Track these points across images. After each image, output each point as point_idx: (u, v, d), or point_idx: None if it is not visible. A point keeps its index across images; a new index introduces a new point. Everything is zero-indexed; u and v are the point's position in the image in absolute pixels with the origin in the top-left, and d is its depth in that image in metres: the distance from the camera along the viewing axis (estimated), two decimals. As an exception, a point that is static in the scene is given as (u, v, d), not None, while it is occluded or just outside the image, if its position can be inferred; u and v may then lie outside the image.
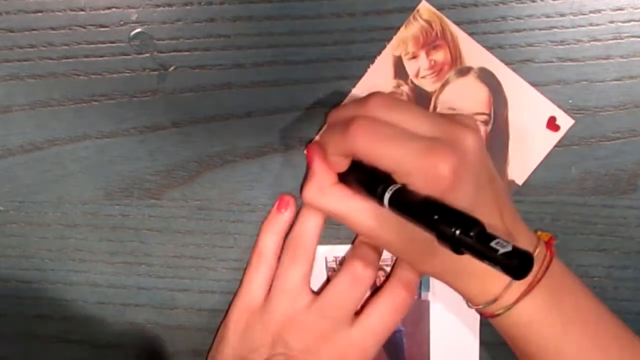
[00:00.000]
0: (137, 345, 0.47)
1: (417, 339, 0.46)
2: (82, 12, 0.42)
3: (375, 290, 0.43)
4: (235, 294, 0.45)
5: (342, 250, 0.45)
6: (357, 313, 0.43)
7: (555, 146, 0.43)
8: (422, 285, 0.45)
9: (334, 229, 0.45)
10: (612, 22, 0.41)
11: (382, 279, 0.44)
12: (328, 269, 0.45)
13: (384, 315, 0.42)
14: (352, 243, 0.44)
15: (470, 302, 0.39)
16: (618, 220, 0.44)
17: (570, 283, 0.39)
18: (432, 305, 0.45)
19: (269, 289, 0.43)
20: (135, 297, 0.46)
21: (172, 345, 0.47)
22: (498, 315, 0.38)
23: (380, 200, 0.35)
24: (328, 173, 0.39)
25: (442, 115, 0.39)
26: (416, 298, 0.45)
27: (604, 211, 0.44)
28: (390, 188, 0.34)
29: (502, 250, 0.28)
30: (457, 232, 0.30)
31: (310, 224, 0.43)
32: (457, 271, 0.38)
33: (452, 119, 0.36)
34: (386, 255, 0.44)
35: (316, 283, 0.45)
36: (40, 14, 0.42)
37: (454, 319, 0.45)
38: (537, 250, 0.38)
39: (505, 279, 0.36)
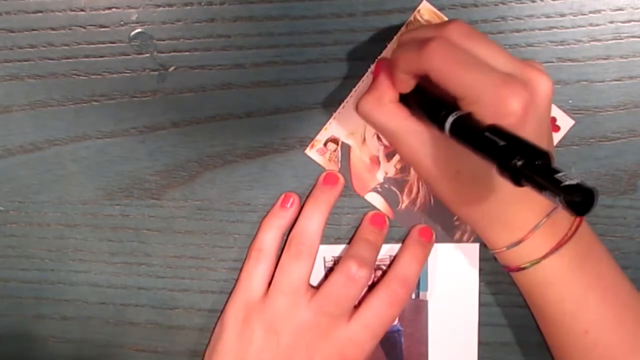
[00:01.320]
0: (137, 345, 0.47)
1: (415, 338, 0.46)
2: (82, 12, 0.42)
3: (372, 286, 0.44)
4: (232, 290, 0.45)
5: (340, 250, 0.45)
6: (356, 307, 0.43)
7: (556, 146, 0.42)
8: (420, 284, 0.45)
9: (333, 228, 0.45)
10: (612, 22, 0.41)
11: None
12: (326, 268, 0.45)
13: (379, 310, 0.42)
14: (349, 243, 0.44)
15: (495, 248, 0.39)
16: (618, 220, 0.44)
17: (596, 249, 0.39)
18: (430, 305, 0.45)
19: (268, 285, 0.43)
20: (135, 297, 0.46)
21: (172, 345, 0.47)
22: (523, 268, 0.38)
23: (441, 125, 0.34)
24: (391, 89, 0.38)
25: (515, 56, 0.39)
26: (414, 297, 0.45)
27: (604, 211, 0.44)
28: (454, 113, 0.33)
29: (566, 183, 0.27)
30: (521, 161, 0.29)
31: (314, 221, 0.43)
32: (491, 217, 0.38)
33: (525, 61, 0.36)
34: (383, 254, 0.44)
35: (314, 282, 0.45)
36: (40, 14, 0.42)
37: (453, 319, 0.45)
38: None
39: (531, 225, 0.37)
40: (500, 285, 0.45)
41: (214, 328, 0.46)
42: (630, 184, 0.44)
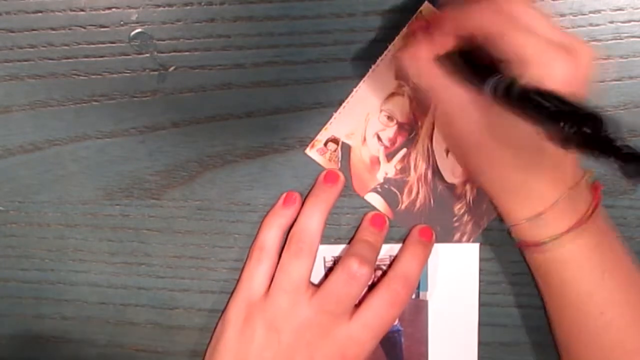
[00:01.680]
0: (137, 345, 0.47)
1: (415, 338, 0.46)
2: (82, 12, 0.42)
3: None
4: (234, 289, 0.45)
5: (340, 250, 0.45)
6: (356, 307, 0.43)
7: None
8: (420, 284, 0.45)
9: (333, 228, 0.45)
10: (612, 22, 0.41)
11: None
12: (326, 268, 0.45)
13: (380, 310, 0.42)
14: (349, 243, 0.44)
15: (513, 221, 0.39)
16: (618, 220, 0.44)
17: (612, 234, 0.40)
18: (430, 305, 0.45)
19: (270, 284, 0.43)
20: (135, 297, 0.46)
21: (172, 345, 0.47)
22: (543, 244, 0.38)
23: (483, 86, 0.33)
24: (429, 46, 0.37)
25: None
26: (414, 297, 0.45)
27: (603, 211, 0.44)
28: (497, 76, 0.33)
29: (625, 150, 0.27)
30: (577, 126, 0.28)
31: (314, 219, 0.43)
32: (513, 188, 0.38)
33: (572, 35, 0.36)
34: (383, 254, 0.44)
35: (314, 281, 0.45)
36: (40, 14, 0.42)
37: (453, 319, 0.45)
38: (587, 189, 0.39)
39: (552, 199, 0.37)
40: (500, 285, 0.45)
41: (215, 327, 0.46)
42: (630, 184, 0.43)
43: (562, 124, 0.28)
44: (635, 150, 0.27)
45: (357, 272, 0.42)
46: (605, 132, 0.28)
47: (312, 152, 0.44)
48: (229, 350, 0.43)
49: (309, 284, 0.43)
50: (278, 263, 0.44)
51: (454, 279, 0.45)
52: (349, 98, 0.43)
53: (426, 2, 0.41)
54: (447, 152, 0.43)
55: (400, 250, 0.44)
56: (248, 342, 0.42)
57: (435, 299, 0.45)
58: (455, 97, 0.37)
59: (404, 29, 0.42)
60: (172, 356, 0.47)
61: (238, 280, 0.45)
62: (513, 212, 0.39)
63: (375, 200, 0.44)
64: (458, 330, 0.45)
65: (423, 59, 0.37)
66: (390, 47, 0.42)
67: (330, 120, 0.43)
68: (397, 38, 0.42)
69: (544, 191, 0.37)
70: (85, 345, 0.47)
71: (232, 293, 0.45)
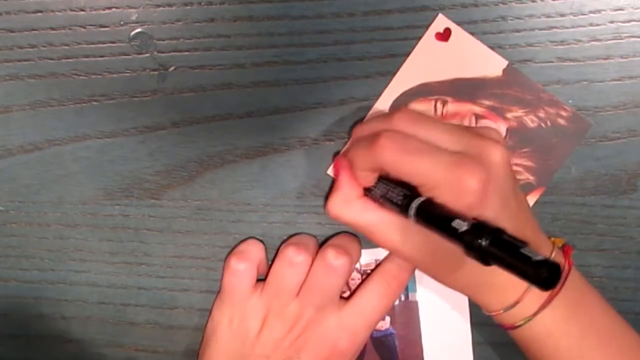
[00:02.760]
0: (137, 345, 0.47)
1: (409, 340, 0.46)
2: (82, 12, 0.42)
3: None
4: (219, 288, 0.45)
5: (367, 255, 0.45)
6: (348, 298, 0.43)
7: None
8: (409, 286, 0.45)
9: (333, 228, 0.45)
10: (612, 22, 0.41)
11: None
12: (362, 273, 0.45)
13: (372, 300, 0.43)
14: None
15: (489, 311, 0.39)
16: (618, 220, 0.44)
17: (587, 294, 0.39)
18: (420, 306, 0.45)
19: (254, 282, 0.43)
20: (135, 297, 0.46)
21: (172, 345, 0.47)
22: (518, 326, 0.38)
23: (405, 213, 0.35)
24: (354, 186, 0.39)
25: (467, 128, 0.40)
26: (404, 299, 0.45)
27: (604, 211, 0.44)
28: (416, 200, 0.34)
29: (532, 259, 0.28)
30: (485, 242, 0.30)
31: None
32: (479, 284, 0.38)
33: (478, 132, 0.37)
34: (368, 260, 0.44)
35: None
36: (40, 14, 0.42)
37: (445, 318, 0.45)
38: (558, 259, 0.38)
39: (523, 287, 0.37)
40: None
41: (206, 325, 0.46)
42: (630, 184, 0.43)
43: (472, 244, 0.30)
44: (543, 260, 0.28)
45: (333, 263, 0.42)
46: (510, 244, 0.29)
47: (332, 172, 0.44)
48: (221, 349, 0.43)
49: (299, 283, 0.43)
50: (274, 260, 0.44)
51: None
52: (372, 111, 0.43)
53: (440, 14, 0.41)
54: None
55: None
56: (241, 340, 0.42)
57: (425, 299, 0.45)
58: (391, 228, 0.38)
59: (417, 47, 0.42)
60: (172, 356, 0.47)
61: (222, 284, 0.44)
62: (487, 305, 0.39)
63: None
64: (451, 329, 0.45)
65: (354, 198, 0.39)
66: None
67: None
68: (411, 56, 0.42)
69: (513, 283, 0.37)
70: (85, 345, 0.47)
71: (218, 292, 0.45)
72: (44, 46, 0.43)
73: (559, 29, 0.42)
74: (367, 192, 0.39)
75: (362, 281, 0.44)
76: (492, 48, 0.42)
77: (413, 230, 0.37)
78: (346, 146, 0.43)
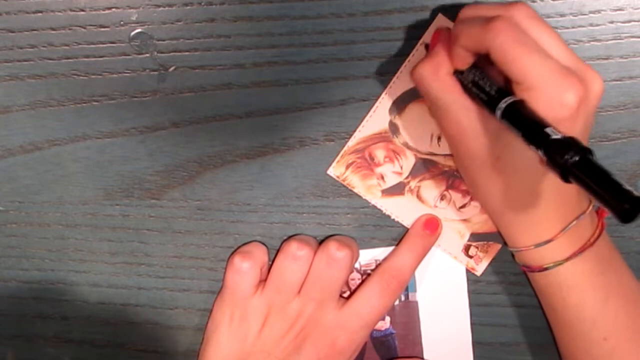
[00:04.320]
0: (137, 345, 0.47)
1: (409, 340, 0.46)
2: (82, 12, 0.42)
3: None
4: (221, 288, 0.45)
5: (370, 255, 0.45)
6: (347, 298, 0.43)
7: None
8: (409, 286, 0.45)
9: (333, 228, 0.45)
10: (612, 22, 0.41)
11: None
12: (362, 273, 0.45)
13: (371, 299, 0.42)
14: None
15: (520, 245, 0.39)
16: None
17: (616, 258, 0.40)
18: (421, 306, 0.45)
19: (257, 281, 0.43)
20: (135, 297, 0.46)
21: (172, 345, 0.47)
22: (546, 269, 0.38)
23: (492, 107, 0.34)
24: (447, 60, 0.37)
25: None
26: (404, 299, 0.45)
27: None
28: (508, 97, 0.33)
29: (621, 186, 0.27)
30: (574, 158, 0.28)
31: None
32: (520, 212, 0.38)
33: (583, 61, 0.36)
34: (369, 259, 0.44)
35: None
36: (40, 14, 0.42)
37: (445, 318, 0.45)
38: (592, 214, 0.38)
39: (560, 226, 0.37)
40: (500, 285, 0.45)
41: (206, 324, 0.46)
42: (630, 184, 0.43)
43: (563, 155, 0.29)
44: (628, 188, 0.27)
45: (334, 255, 0.42)
46: (602, 168, 0.28)
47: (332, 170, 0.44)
48: (222, 348, 0.43)
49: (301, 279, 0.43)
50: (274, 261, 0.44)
51: (441, 278, 0.45)
52: (368, 116, 0.43)
53: (439, 14, 0.41)
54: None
55: (400, 241, 0.44)
56: (241, 338, 0.43)
57: (425, 299, 0.45)
58: (469, 115, 0.37)
59: (419, 44, 0.41)
60: (172, 356, 0.47)
61: (224, 282, 0.44)
62: (519, 238, 0.39)
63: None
64: (451, 329, 0.45)
65: (443, 72, 0.37)
66: (405, 63, 0.42)
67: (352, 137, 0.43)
68: (411, 54, 0.42)
69: (550, 219, 0.37)
70: (85, 345, 0.47)
71: (219, 291, 0.45)
72: (44, 46, 0.43)
73: (559, 29, 0.42)
74: (457, 74, 0.38)
75: (362, 281, 0.44)
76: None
77: (489, 128, 0.36)
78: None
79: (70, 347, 0.47)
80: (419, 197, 0.44)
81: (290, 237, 0.45)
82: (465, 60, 0.37)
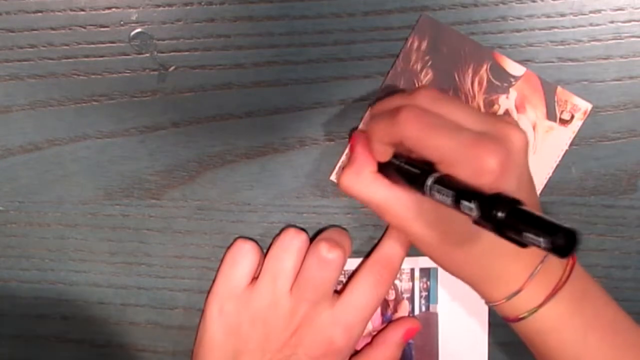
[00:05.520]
0: (137, 345, 0.47)
1: (426, 351, 0.46)
2: (82, 12, 0.42)
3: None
4: (213, 282, 0.45)
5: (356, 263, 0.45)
6: (340, 292, 0.43)
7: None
8: (431, 297, 0.45)
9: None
10: (612, 22, 0.41)
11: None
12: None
13: (364, 291, 0.43)
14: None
15: (492, 301, 0.39)
16: (618, 220, 0.44)
17: (591, 288, 0.39)
18: (440, 318, 0.45)
19: (251, 278, 0.44)
20: (135, 297, 0.46)
21: (172, 345, 0.47)
22: (522, 319, 0.38)
23: (421, 189, 0.34)
24: (369, 160, 0.39)
25: (488, 112, 0.39)
26: (424, 310, 0.45)
27: (604, 211, 0.44)
28: (433, 175, 0.34)
29: (550, 224, 0.27)
30: (501, 213, 0.29)
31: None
32: (484, 271, 0.38)
33: (498, 116, 0.36)
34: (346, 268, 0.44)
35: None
36: (40, 14, 0.42)
37: (463, 332, 0.45)
38: None
39: (525, 276, 0.37)
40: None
41: (199, 323, 0.46)
42: (630, 184, 0.44)
43: (489, 212, 0.29)
44: (560, 227, 0.27)
45: (326, 256, 0.42)
46: (529, 213, 0.29)
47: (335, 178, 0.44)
48: (215, 346, 0.43)
49: (294, 276, 0.43)
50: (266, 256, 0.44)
51: (464, 291, 0.45)
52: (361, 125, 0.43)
53: (421, 16, 0.41)
54: None
55: (386, 231, 0.44)
56: (234, 336, 0.42)
57: (446, 311, 0.45)
58: (404, 205, 0.38)
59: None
60: (172, 356, 0.47)
61: (217, 274, 0.45)
62: (490, 294, 0.39)
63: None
64: (468, 343, 0.45)
65: (367, 172, 0.39)
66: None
67: (346, 151, 0.44)
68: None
69: (514, 270, 0.37)
70: (85, 345, 0.47)
71: (210, 286, 0.45)
72: (44, 46, 0.43)
73: (559, 29, 0.42)
74: (381, 168, 0.39)
75: (353, 274, 0.44)
76: (492, 48, 0.42)
77: (426, 209, 0.37)
78: (365, 122, 0.43)
79: (70, 347, 0.47)
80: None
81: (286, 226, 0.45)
82: (385, 154, 0.38)
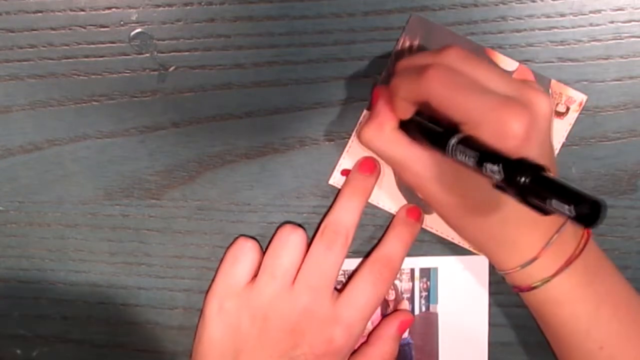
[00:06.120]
0: (137, 345, 0.47)
1: (426, 351, 0.46)
2: (82, 12, 0.42)
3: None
4: (213, 279, 0.45)
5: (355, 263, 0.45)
6: (341, 291, 0.43)
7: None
8: (431, 297, 0.45)
9: (334, 229, 0.45)
10: (612, 22, 0.41)
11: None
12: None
13: (364, 290, 0.42)
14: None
15: (506, 268, 0.39)
16: (618, 220, 0.44)
17: (604, 265, 0.40)
18: (440, 318, 0.45)
19: (254, 273, 0.44)
20: (135, 297, 0.46)
21: (172, 345, 0.47)
22: (534, 288, 0.38)
23: (443, 148, 0.34)
24: (391, 116, 0.38)
25: (514, 78, 0.38)
26: (424, 310, 0.45)
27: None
28: (456, 135, 0.34)
29: (575, 194, 0.27)
30: (526, 178, 0.29)
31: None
32: (499, 237, 0.38)
33: (524, 82, 0.36)
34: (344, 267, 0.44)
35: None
36: (40, 14, 0.42)
37: (463, 332, 0.45)
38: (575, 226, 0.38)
39: (541, 244, 0.37)
40: (500, 285, 0.45)
41: (199, 321, 0.46)
42: (630, 184, 0.44)
43: (513, 176, 0.29)
44: (581, 191, 0.27)
45: (332, 239, 0.42)
46: (554, 180, 0.28)
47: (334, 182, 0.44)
48: (214, 343, 0.43)
49: (296, 271, 0.43)
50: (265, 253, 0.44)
51: (464, 291, 0.45)
52: (353, 135, 0.43)
53: (411, 16, 0.41)
54: None
55: (386, 231, 0.44)
56: (233, 334, 0.42)
57: (446, 311, 0.45)
58: (423, 164, 0.37)
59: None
60: (172, 356, 0.47)
61: (218, 271, 0.45)
62: (504, 262, 0.39)
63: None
64: (468, 343, 0.45)
65: (388, 128, 0.38)
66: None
67: (344, 154, 0.44)
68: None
69: (530, 238, 0.37)
70: (85, 345, 0.47)
71: (210, 285, 0.45)
72: (44, 46, 0.43)
73: (559, 29, 0.42)
74: (403, 126, 0.38)
75: (354, 272, 0.44)
76: (492, 48, 0.42)
77: (445, 170, 0.36)
78: (382, 76, 0.42)
79: (70, 347, 0.47)
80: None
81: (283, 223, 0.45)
82: (407, 111, 0.37)
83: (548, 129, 0.36)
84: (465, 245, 0.44)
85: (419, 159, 0.38)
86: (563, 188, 0.27)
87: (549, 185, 0.28)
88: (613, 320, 0.38)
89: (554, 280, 0.38)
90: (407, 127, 0.38)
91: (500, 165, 0.30)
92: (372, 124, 0.39)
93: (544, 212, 0.28)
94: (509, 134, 0.33)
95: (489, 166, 0.30)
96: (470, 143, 0.33)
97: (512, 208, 0.35)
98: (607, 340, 0.39)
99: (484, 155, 0.31)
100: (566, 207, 0.27)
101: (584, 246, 0.38)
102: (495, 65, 0.36)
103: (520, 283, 0.39)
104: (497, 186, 0.30)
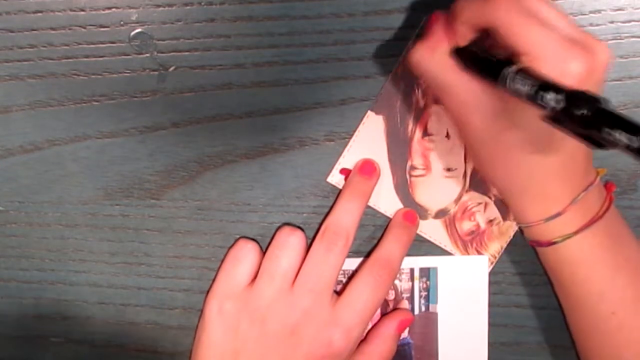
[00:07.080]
0: (137, 345, 0.47)
1: (425, 351, 0.46)
2: (82, 12, 0.42)
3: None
4: (213, 280, 0.45)
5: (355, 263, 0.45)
6: (340, 293, 0.43)
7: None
8: (431, 297, 0.45)
9: (334, 229, 0.45)
10: (612, 22, 0.41)
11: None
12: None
13: (363, 293, 0.42)
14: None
15: (530, 221, 0.39)
16: (618, 220, 0.44)
17: (625, 232, 0.40)
18: (440, 317, 0.45)
19: (254, 275, 0.44)
20: (135, 297, 0.46)
21: (172, 345, 0.47)
22: (554, 243, 0.38)
23: (495, 78, 0.33)
24: (445, 40, 0.37)
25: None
26: (424, 310, 0.45)
27: (604, 211, 0.44)
28: (514, 65, 0.33)
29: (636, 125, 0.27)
30: (586, 110, 0.28)
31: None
32: (528, 186, 0.38)
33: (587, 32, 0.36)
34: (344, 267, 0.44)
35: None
36: (40, 14, 0.42)
37: (463, 332, 0.45)
38: (600, 187, 0.39)
39: (568, 199, 0.37)
40: (501, 285, 0.45)
41: (198, 322, 0.46)
42: (630, 184, 0.43)
43: (576, 106, 0.29)
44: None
45: (333, 239, 0.42)
46: (605, 110, 0.28)
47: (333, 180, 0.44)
48: (213, 345, 0.43)
49: (295, 272, 0.43)
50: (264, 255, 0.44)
51: (463, 291, 0.45)
52: (355, 136, 0.43)
53: (425, 17, 0.41)
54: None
55: (384, 234, 0.44)
56: (233, 335, 0.42)
57: (445, 311, 0.45)
58: (471, 92, 0.36)
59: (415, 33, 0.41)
60: (172, 356, 0.47)
61: (218, 273, 0.45)
62: (528, 213, 0.39)
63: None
64: (468, 342, 0.45)
65: (440, 52, 0.37)
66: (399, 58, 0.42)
67: (344, 154, 0.44)
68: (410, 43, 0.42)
69: (559, 192, 0.37)
70: (85, 345, 0.47)
71: (209, 287, 0.45)
72: (44, 46, 0.43)
73: (559, 29, 0.42)
74: (456, 53, 0.37)
75: (352, 275, 0.44)
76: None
77: (492, 101, 0.36)
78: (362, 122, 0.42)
79: (70, 347, 0.47)
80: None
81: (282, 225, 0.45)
82: (465, 37, 0.36)
83: (602, 81, 0.35)
84: (457, 251, 0.44)
85: (465, 85, 0.36)
86: (623, 120, 0.27)
87: (610, 116, 0.28)
88: (628, 288, 0.39)
89: (575, 238, 0.38)
90: (460, 54, 0.37)
91: (563, 94, 0.29)
92: (424, 46, 0.38)
93: (600, 145, 0.28)
94: (569, 72, 0.32)
95: (548, 96, 0.30)
96: (530, 73, 0.32)
97: (549, 157, 0.35)
98: (620, 306, 0.39)
99: (544, 84, 0.31)
100: (632, 138, 0.27)
101: (608, 207, 0.38)
102: (561, 7, 0.36)
103: (540, 237, 0.39)
104: (551, 118, 0.30)
